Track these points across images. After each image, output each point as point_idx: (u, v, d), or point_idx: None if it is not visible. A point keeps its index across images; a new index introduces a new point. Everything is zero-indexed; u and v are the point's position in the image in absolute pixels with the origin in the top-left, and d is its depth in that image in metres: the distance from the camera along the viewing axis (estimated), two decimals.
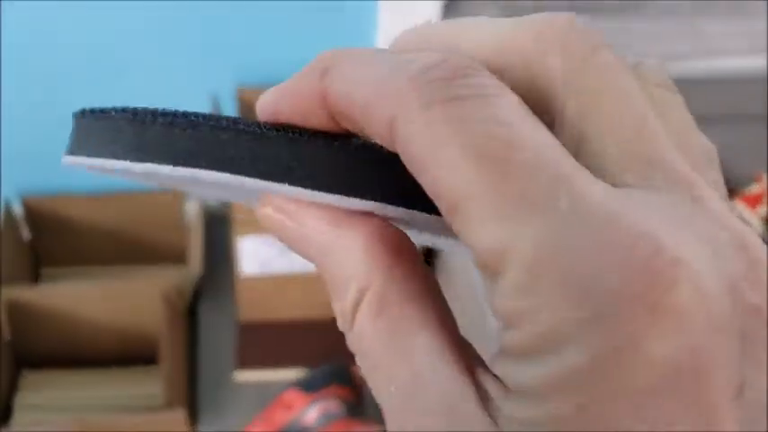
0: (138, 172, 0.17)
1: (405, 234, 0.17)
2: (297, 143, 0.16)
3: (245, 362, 1.26)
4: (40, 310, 1.15)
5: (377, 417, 1.16)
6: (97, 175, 0.20)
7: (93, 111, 0.18)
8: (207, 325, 1.31)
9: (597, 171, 0.14)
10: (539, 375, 0.13)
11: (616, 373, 0.13)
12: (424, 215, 0.16)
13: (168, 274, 1.34)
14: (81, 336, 1.19)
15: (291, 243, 0.18)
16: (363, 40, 1.26)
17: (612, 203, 0.13)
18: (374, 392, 0.16)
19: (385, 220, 0.17)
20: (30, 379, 1.19)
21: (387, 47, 0.18)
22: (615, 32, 1.21)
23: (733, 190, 1.18)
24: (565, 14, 0.16)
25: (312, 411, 1.14)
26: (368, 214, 0.17)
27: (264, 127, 0.17)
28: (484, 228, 0.14)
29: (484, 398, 0.15)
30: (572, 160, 0.14)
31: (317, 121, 0.17)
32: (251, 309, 1.28)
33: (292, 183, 0.16)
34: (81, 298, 1.17)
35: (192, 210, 1.37)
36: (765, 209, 1.21)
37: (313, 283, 1.24)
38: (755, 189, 1.23)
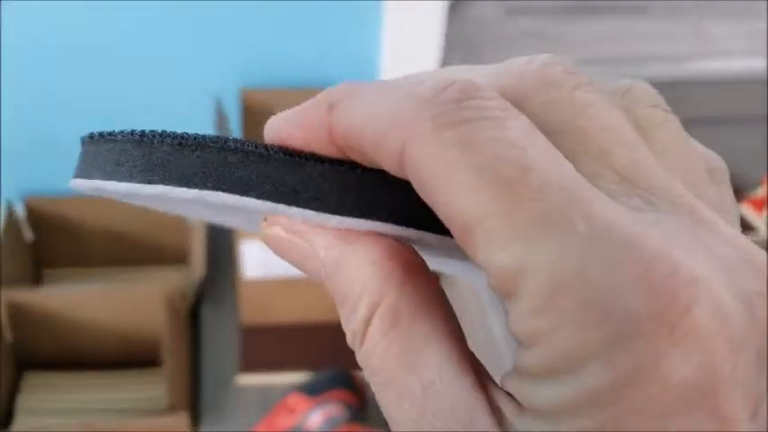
0: (146, 194, 0.17)
1: (415, 250, 0.17)
2: (305, 166, 0.17)
3: (248, 365, 1.26)
4: (41, 311, 1.15)
5: (380, 421, 1.16)
6: (105, 197, 0.20)
7: (100, 134, 0.18)
8: (209, 328, 1.31)
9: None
10: (557, 395, 0.13)
11: (636, 392, 0.13)
12: (433, 236, 0.16)
13: (171, 277, 1.34)
14: (83, 338, 1.19)
15: (299, 261, 0.18)
16: (368, 41, 1.26)
17: (627, 224, 0.14)
18: (385, 409, 0.16)
19: (395, 238, 0.17)
20: (31, 381, 1.19)
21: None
22: (618, 34, 1.20)
23: (738, 193, 1.18)
24: (544, 55, 0.17)
25: (315, 416, 1.14)
26: (377, 233, 0.17)
27: (272, 149, 0.17)
28: (498, 248, 0.14)
29: (497, 414, 0.15)
30: (584, 181, 0.14)
31: (324, 152, 0.17)
32: (254, 312, 1.28)
33: (301, 205, 0.16)
34: (83, 300, 1.17)
35: None
36: None
37: (316, 287, 1.24)
38: (761, 192, 1.22)
